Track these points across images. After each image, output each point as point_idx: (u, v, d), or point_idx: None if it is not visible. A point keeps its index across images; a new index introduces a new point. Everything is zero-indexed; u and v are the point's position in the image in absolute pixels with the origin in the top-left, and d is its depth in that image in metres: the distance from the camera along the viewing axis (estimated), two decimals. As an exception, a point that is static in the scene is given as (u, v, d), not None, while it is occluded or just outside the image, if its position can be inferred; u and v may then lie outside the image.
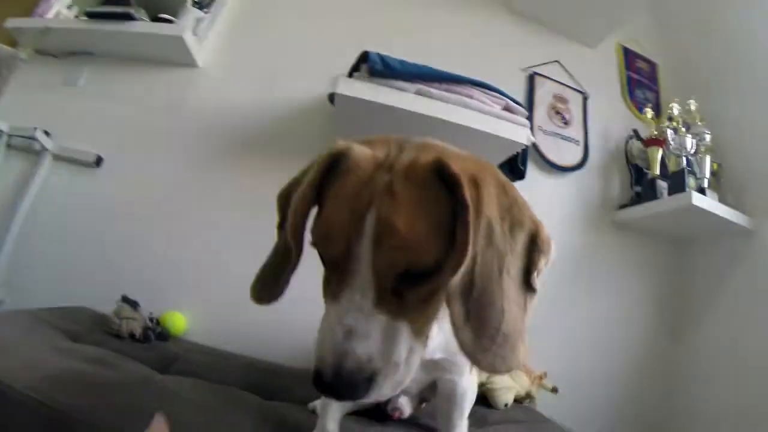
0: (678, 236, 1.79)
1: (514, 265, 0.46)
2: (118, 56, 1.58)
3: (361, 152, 0.49)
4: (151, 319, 1.22)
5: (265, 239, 1.44)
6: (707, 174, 1.58)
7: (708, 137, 1.62)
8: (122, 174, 1.47)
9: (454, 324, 0.43)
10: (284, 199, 0.60)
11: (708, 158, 1.59)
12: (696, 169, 1.59)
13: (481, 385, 1.15)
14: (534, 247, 0.48)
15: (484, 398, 1.18)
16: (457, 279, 0.43)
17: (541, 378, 1.39)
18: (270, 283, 0.57)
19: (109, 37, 1.50)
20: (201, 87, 1.57)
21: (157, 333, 1.20)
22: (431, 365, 0.67)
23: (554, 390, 1.40)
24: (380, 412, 0.96)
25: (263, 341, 1.38)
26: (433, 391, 0.89)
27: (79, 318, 1.17)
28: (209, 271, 1.43)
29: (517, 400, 1.30)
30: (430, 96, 1.14)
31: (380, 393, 0.43)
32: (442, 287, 0.45)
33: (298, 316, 1.36)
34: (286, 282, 0.56)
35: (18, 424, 0.66)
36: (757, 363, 1.43)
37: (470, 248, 0.43)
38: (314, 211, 0.52)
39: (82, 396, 0.71)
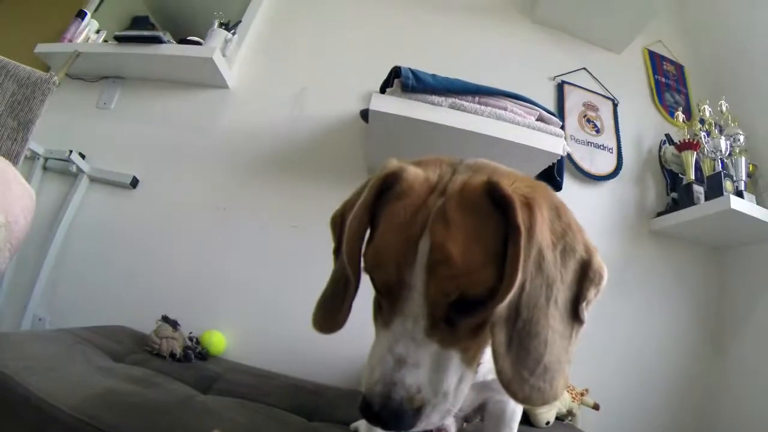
0: (717, 242, 1.73)
1: (562, 295, 0.44)
2: (148, 78, 1.63)
3: (414, 174, 0.48)
4: (190, 339, 1.24)
5: (299, 257, 1.46)
6: (744, 176, 1.54)
7: (742, 138, 1.58)
8: (158, 194, 1.50)
9: (494, 351, 0.42)
10: (338, 222, 0.59)
11: (744, 159, 1.55)
12: (732, 172, 1.55)
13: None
14: (585, 277, 0.46)
15: (525, 416, 1.15)
16: (503, 306, 0.41)
17: (582, 395, 1.36)
18: (332, 311, 0.55)
19: (138, 60, 1.55)
20: (232, 107, 1.60)
21: (197, 352, 1.21)
22: (482, 386, 0.66)
23: (596, 407, 1.36)
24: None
25: (303, 360, 1.38)
26: (477, 411, 0.87)
27: (119, 337, 1.18)
28: (246, 290, 1.44)
29: (559, 418, 1.28)
30: (464, 109, 1.14)
31: (428, 422, 0.43)
32: (488, 318, 0.43)
33: (339, 335, 1.38)
34: (348, 309, 0.54)
35: None
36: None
37: (520, 275, 0.41)
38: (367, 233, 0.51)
39: (126, 416, 0.72)
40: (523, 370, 0.41)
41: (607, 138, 1.75)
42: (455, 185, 0.46)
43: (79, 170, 1.47)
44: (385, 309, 0.46)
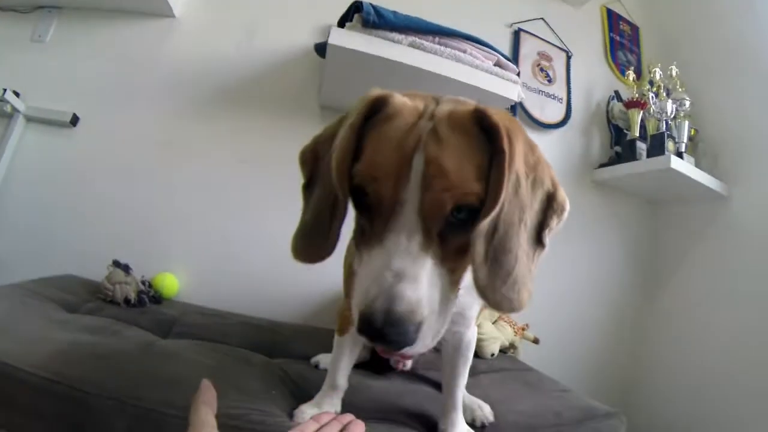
0: (655, 197, 1.86)
1: (530, 220, 0.48)
2: (87, 7, 1.47)
3: (402, 100, 0.50)
4: (143, 282, 1.21)
5: (249, 193, 1.45)
6: (685, 139, 1.63)
7: (688, 103, 1.65)
8: (100, 132, 1.41)
9: (474, 261, 0.45)
10: (309, 157, 0.59)
11: (687, 124, 1.64)
12: (675, 134, 1.63)
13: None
14: (550, 207, 0.50)
15: (473, 348, 1.24)
16: (485, 222, 0.44)
17: (523, 329, 1.47)
18: (317, 238, 0.54)
19: None
20: (178, 38, 1.50)
21: (150, 296, 1.20)
22: None
23: (536, 341, 1.48)
24: (383, 365, 1.00)
25: (257, 299, 1.40)
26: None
27: (70, 287, 1.14)
28: (196, 229, 1.41)
29: (503, 350, 1.37)
30: (424, 49, 1.12)
31: (424, 344, 0.43)
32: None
33: (289, 272, 1.40)
34: (337, 235, 0.53)
35: (31, 404, 0.66)
36: (720, 322, 1.54)
37: (503, 193, 0.44)
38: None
39: (92, 369, 0.71)
40: (497, 279, 0.45)
41: (558, 88, 1.79)
42: (443, 111, 0.48)
43: (14, 110, 1.35)
44: (377, 227, 0.46)
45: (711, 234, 1.65)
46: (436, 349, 0.93)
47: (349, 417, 0.59)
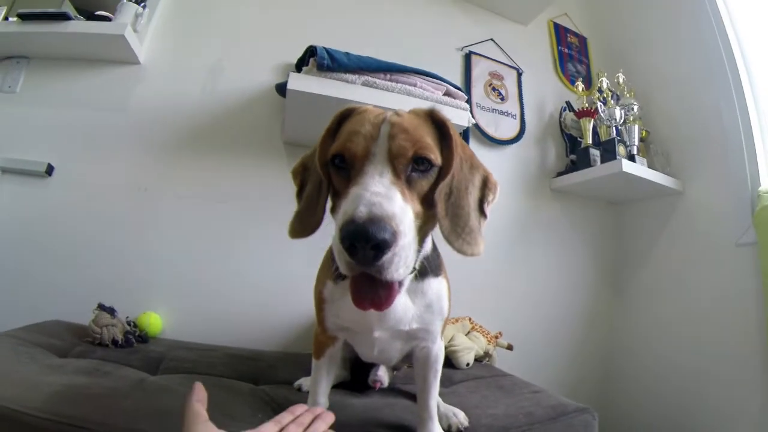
0: (612, 199, 1.97)
1: (473, 192, 0.64)
2: (55, 57, 1.51)
3: (367, 106, 0.65)
4: (128, 323, 1.25)
5: (225, 231, 1.51)
6: (636, 142, 1.73)
7: (636, 108, 1.76)
8: (76, 180, 1.43)
9: (438, 215, 0.59)
10: (299, 171, 0.73)
11: (636, 127, 1.74)
12: (626, 138, 1.73)
13: (445, 348, 1.28)
14: (486, 186, 0.66)
15: (447, 360, 1.30)
16: (443, 186, 0.59)
17: (496, 337, 1.53)
18: (309, 218, 0.67)
19: (44, 38, 1.43)
20: (145, 84, 1.54)
21: (137, 336, 1.23)
22: (410, 335, 0.77)
23: (509, 347, 1.54)
24: (362, 385, 1.06)
25: (238, 330, 1.44)
26: (404, 360, 0.99)
27: (58, 332, 1.17)
28: (176, 268, 1.44)
29: (478, 359, 1.43)
30: (376, 86, 1.21)
31: (395, 270, 0.50)
32: (431, 192, 0.59)
33: (268, 302, 1.46)
34: (323, 210, 0.66)
35: None
36: (681, 311, 1.64)
37: (455, 162, 0.60)
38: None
39: (90, 408, 0.75)
40: (456, 227, 0.60)
41: (511, 105, 1.89)
42: (402, 111, 0.63)
43: None
44: (353, 177, 0.57)
45: (670, 228, 1.75)
46: (409, 366, 1.01)
47: (320, 409, 0.69)
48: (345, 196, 0.55)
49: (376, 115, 0.61)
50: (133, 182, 1.46)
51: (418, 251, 0.59)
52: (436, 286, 0.76)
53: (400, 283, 0.55)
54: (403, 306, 0.73)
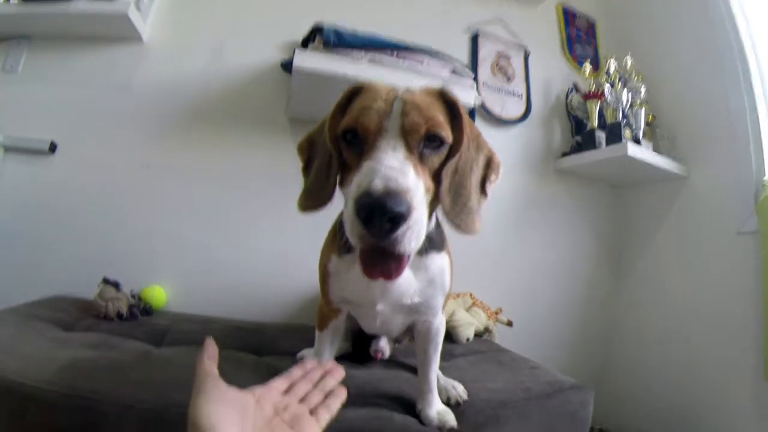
0: (616, 182, 1.96)
1: (476, 172, 0.66)
2: (57, 37, 1.50)
3: (378, 83, 0.66)
4: (133, 296, 1.27)
5: (226, 206, 1.53)
6: (642, 125, 1.71)
7: (643, 91, 1.74)
8: (79, 157, 1.44)
9: (442, 191, 0.61)
10: (305, 146, 0.73)
11: (643, 111, 1.72)
12: (632, 121, 1.72)
13: (446, 323, 1.29)
14: (489, 166, 0.68)
15: (448, 335, 1.30)
16: (452, 162, 0.61)
17: (497, 313, 1.55)
18: (320, 190, 0.67)
19: (46, 19, 1.42)
20: (149, 62, 1.53)
21: (141, 309, 1.25)
22: (412, 308, 0.79)
23: (509, 323, 1.57)
24: (364, 356, 1.08)
25: (241, 302, 1.46)
26: (405, 333, 1.01)
27: (64, 307, 1.19)
28: (179, 242, 1.46)
29: (478, 335, 1.45)
30: (383, 63, 1.21)
31: (408, 243, 0.50)
32: (439, 168, 0.61)
33: (271, 275, 1.48)
34: (335, 184, 0.67)
35: (44, 420, 0.71)
36: (683, 294, 1.65)
37: (465, 140, 0.62)
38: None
39: (98, 380, 0.77)
40: (456, 205, 0.62)
41: (518, 85, 1.87)
42: (414, 87, 0.65)
43: None
44: (366, 151, 0.57)
45: (673, 213, 1.75)
46: (410, 339, 1.02)
47: (330, 364, 0.69)
48: (358, 170, 0.55)
49: (388, 92, 0.61)
50: (137, 159, 1.47)
51: (428, 225, 0.60)
52: (439, 261, 0.77)
53: (409, 255, 0.55)
54: (407, 280, 0.74)
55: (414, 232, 0.51)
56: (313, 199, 0.69)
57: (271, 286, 1.49)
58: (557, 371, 1.12)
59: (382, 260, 0.54)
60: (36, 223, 1.40)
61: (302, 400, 0.58)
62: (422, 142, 0.58)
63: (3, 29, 1.48)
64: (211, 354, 0.55)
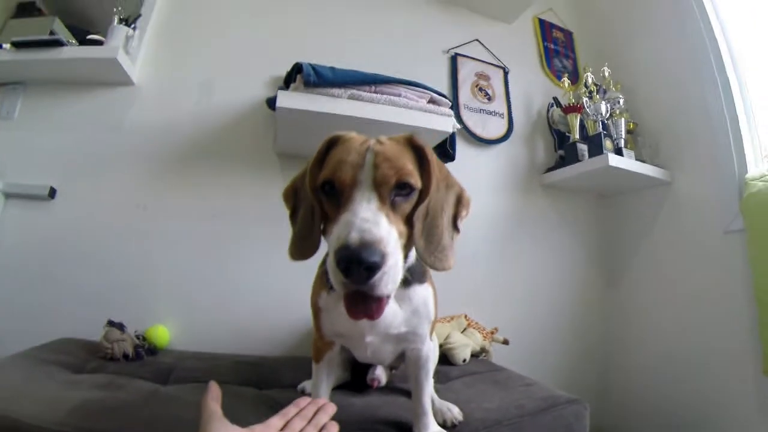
0: (602, 191, 2.00)
1: (448, 211, 0.70)
2: (50, 82, 1.54)
3: (351, 135, 0.70)
4: (138, 337, 1.30)
5: (223, 243, 1.57)
6: (623, 135, 1.76)
7: (622, 101, 1.79)
8: (78, 201, 1.47)
9: (415, 235, 0.64)
10: (290, 193, 0.78)
11: (623, 120, 1.77)
12: (612, 131, 1.76)
13: (441, 346, 1.32)
14: (460, 203, 0.72)
15: (444, 357, 1.35)
16: (422, 207, 0.65)
17: (492, 333, 1.58)
18: (307, 239, 0.72)
19: (39, 65, 1.46)
20: (140, 104, 1.57)
21: (146, 349, 1.28)
22: (399, 338, 0.83)
23: (505, 342, 1.59)
24: (362, 384, 1.11)
25: (243, 337, 1.49)
26: (398, 360, 1.04)
27: (71, 349, 1.21)
28: (180, 281, 1.49)
29: (474, 355, 1.47)
30: (362, 99, 1.26)
31: (385, 286, 0.55)
32: (410, 213, 0.64)
33: (271, 309, 1.52)
34: (320, 233, 0.71)
35: None
36: (676, 296, 1.68)
37: (433, 186, 0.66)
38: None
39: (108, 419, 0.80)
40: (430, 245, 0.66)
41: (498, 104, 1.92)
42: (384, 140, 0.68)
43: None
44: (342, 203, 0.62)
45: (660, 218, 1.79)
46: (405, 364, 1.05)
47: (323, 400, 0.74)
48: (336, 222, 0.61)
49: (361, 143, 0.66)
50: (133, 200, 1.51)
51: (403, 265, 0.64)
52: (422, 292, 0.82)
53: (388, 296, 0.60)
54: (392, 312, 0.78)
55: (390, 276, 0.56)
56: (301, 248, 0.73)
57: (269, 321, 1.52)
58: (554, 386, 1.15)
59: (364, 302, 0.59)
60: (39, 268, 1.42)
61: None
62: (393, 191, 0.62)
63: (-2, 76, 1.52)
64: (214, 395, 0.60)
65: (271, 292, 1.54)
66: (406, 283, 0.78)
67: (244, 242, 1.55)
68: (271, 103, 1.46)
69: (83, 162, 1.51)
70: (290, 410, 0.68)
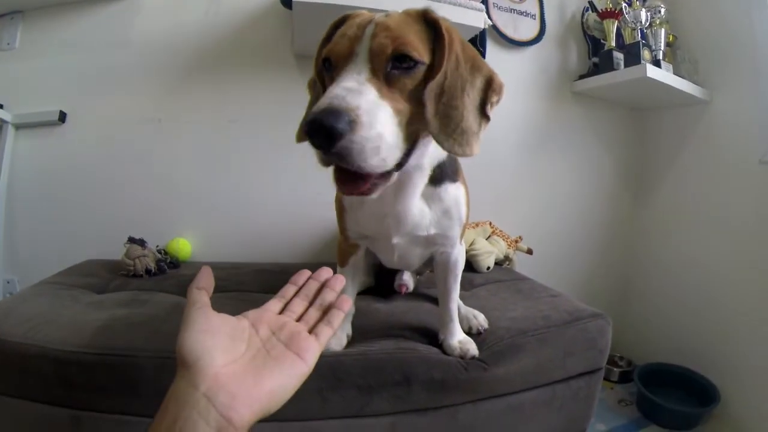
0: (636, 104, 1.88)
1: (473, 94, 0.62)
2: (49, 5, 1.44)
3: (362, 12, 0.64)
4: (159, 251, 1.31)
5: (241, 150, 1.49)
6: (662, 46, 1.62)
7: (663, 11, 1.64)
8: (90, 122, 1.44)
9: (427, 116, 0.57)
10: (312, 81, 0.74)
11: (663, 31, 1.62)
12: (651, 42, 1.63)
13: (466, 252, 1.31)
14: (490, 87, 0.63)
15: (468, 264, 1.32)
16: (432, 86, 0.57)
17: (516, 242, 1.56)
18: None
19: None
20: (145, 16, 1.47)
21: (168, 263, 1.30)
22: (428, 240, 0.80)
23: (529, 251, 1.58)
24: (387, 290, 1.11)
25: (264, 246, 1.50)
26: (426, 265, 1.02)
27: (94, 270, 1.23)
28: (198, 192, 1.49)
29: (498, 263, 1.47)
30: (386, -12, 1.13)
31: (361, 159, 0.50)
32: (418, 91, 0.58)
33: (291, 216, 1.50)
34: None
35: (89, 380, 0.76)
36: (702, 220, 1.63)
37: (445, 63, 0.58)
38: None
39: (133, 337, 0.81)
40: (447, 128, 0.58)
41: (530, 5, 1.75)
42: (393, 13, 0.62)
43: (2, 121, 1.37)
44: (334, 76, 0.58)
45: (694, 138, 1.69)
46: (431, 271, 1.04)
47: (326, 272, 0.60)
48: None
49: (365, 18, 0.60)
50: (147, 115, 1.46)
51: (409, 149, 0.58)
52: (454, 191, 0.77)
53: (383, 175, 0.55)
54: (420, 211, 0.74)
55: (367, 149, 0.50)
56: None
57: (292, 227, 1.52)
58: (576, 299, 1.13)
59: (350, 177, 0.54)
60: (56, 194, 1.43)
61: (300, 318, 0.53)
62: (389, 63, 0.56)
63: (-6, 6, 1.43)
64: (202, 284, 0.51)
65: (292, 198, 1.52)
66: (437, 180, 0.74)
67: (264, 148, 1.51)
68: (286, 1, 1.35)
69: (91, 82, 1.46)
70: (288, 290, 0.57)
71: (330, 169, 0.55)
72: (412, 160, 0.61)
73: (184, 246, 1.40)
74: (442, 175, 0.74)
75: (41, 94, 1.43)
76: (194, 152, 1.48)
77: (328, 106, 0.48)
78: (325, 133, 0.48)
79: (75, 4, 1.45)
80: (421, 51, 0.57)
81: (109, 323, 0.86)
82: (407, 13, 0.61)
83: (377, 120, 0.51)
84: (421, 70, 0.58)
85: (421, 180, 0.72)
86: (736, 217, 1.51)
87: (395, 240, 0.77)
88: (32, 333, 0.80)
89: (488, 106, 0.63)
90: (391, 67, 0.56)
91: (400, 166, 0.57)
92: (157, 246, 1.33)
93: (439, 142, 0.59)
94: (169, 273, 1.26)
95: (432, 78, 0.58)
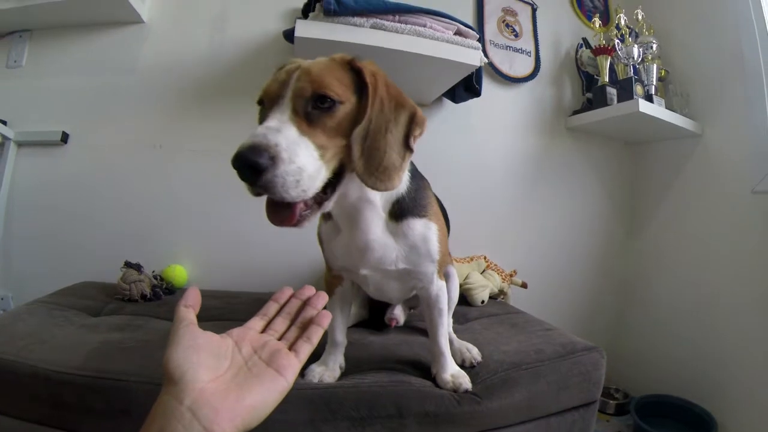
0: (629, 139, 1.92)
1: (395, 130, 0.66)
2: (57, 26, 1.48)
3: (300, 60, 0.68)
4: (155, 277, 1.31)
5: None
6: (654, 81, 1.66)
7: (655, 46, 1.68)
8: (91, 144, 1.45)
9: (353, 157, 0.63)
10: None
11: (655, 66, 1.66)
12: (643, 77, 1.66)
13: (460, 286, 1.31)
14: (412, 121, 0.68)
15: (463, 298, 1.33)
16: (359, 130, 0.63)
17: (511, 276, 1.57)
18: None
19: (44, 9, 1.38)
20: (151, 42, 1.51)
21: (164, 289, 1.29)
22: (402, 275, 0.81)
23: (524, 285, 1.58)
24: (381, 323, 1.10)
25: (260, 274, 1.49)
26: (415, 299, 1.02)
27: (89, 293, 1.23)
28: (196, 220, 1.49)
29: (493, 297, 1.47)
30: (385, 28, 1.16)
31: (284, 190, 0.55)
32: (341, 129, 0.63)
33: (286, 246, 1.49)
34: None
35: (79, 402, 0.75)
36: (697, 251, 1.64)
37: (369, 109, 0.63)
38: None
39: (126, 362, 0.80)
40: (371, 167, 0.63)
41: (526, 42, 1.81)
42: (320, 59, 0.67)
43: (4, 138, 1.38)
44: (266, 114, 0.62)
45: (687, 171, 1.72)
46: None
47: (309, 290, 0.62)
48: None
49: (294, 65, 0.65)
50: (147, 141, 1.48)
51: (335, 182, 0.64)
52: (420, 228, 0.78)
53: (310, 207, 0.61)
54: (382, 245, 0.76)
55: (289, 182, 0.55)
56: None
57: (288, 258, 1.51)
58: (571, 332, 1.13)
59: (278, 209, 0.60)
60: (55, 214, 1.43)
61: (282, 336, 0.56)
62: (310, 103, 0.60)
63: (3, 24, 1.47)
64: (189, 302, 0.53)
65: (288, 230, 1.51)
66: (398, 216, 0.76)
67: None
68: (288, 35, 1.38)
69: (95, 105, 1.48)
70: (270, 307, 0.59)
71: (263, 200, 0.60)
72: (353, 192, 0.70)
73: (180, 273, 1.41)
74: (401, 210, 0.76)
75: (45, 113, 1.45)
76: (193, 180, 1.49)
77: (251, 144, 0.54)
78: (250, 167, 0.53)
79: (83, 26, 1.48)
80: (339, 92, 0.62)
81: (103, 347, 0.85)
82: (332, 59, 0.67)
83: (296, 155, 0.56)
84: (341, 109, 0.63)
85: (373, 213, 0.75)
86: (729, 248, 1.52)
87: (363, 272, 0.79)
88: (25, 352, 0.80)
89: (411, 139, 0.68)
90: (312, 107, 0.60)
91: (326, 199, 0.63)
92: (153, 271, 1.33)
93: (363, 180, 0.63)
94: (164, 299, 1.26)
95: (360, 121, 0.63)
